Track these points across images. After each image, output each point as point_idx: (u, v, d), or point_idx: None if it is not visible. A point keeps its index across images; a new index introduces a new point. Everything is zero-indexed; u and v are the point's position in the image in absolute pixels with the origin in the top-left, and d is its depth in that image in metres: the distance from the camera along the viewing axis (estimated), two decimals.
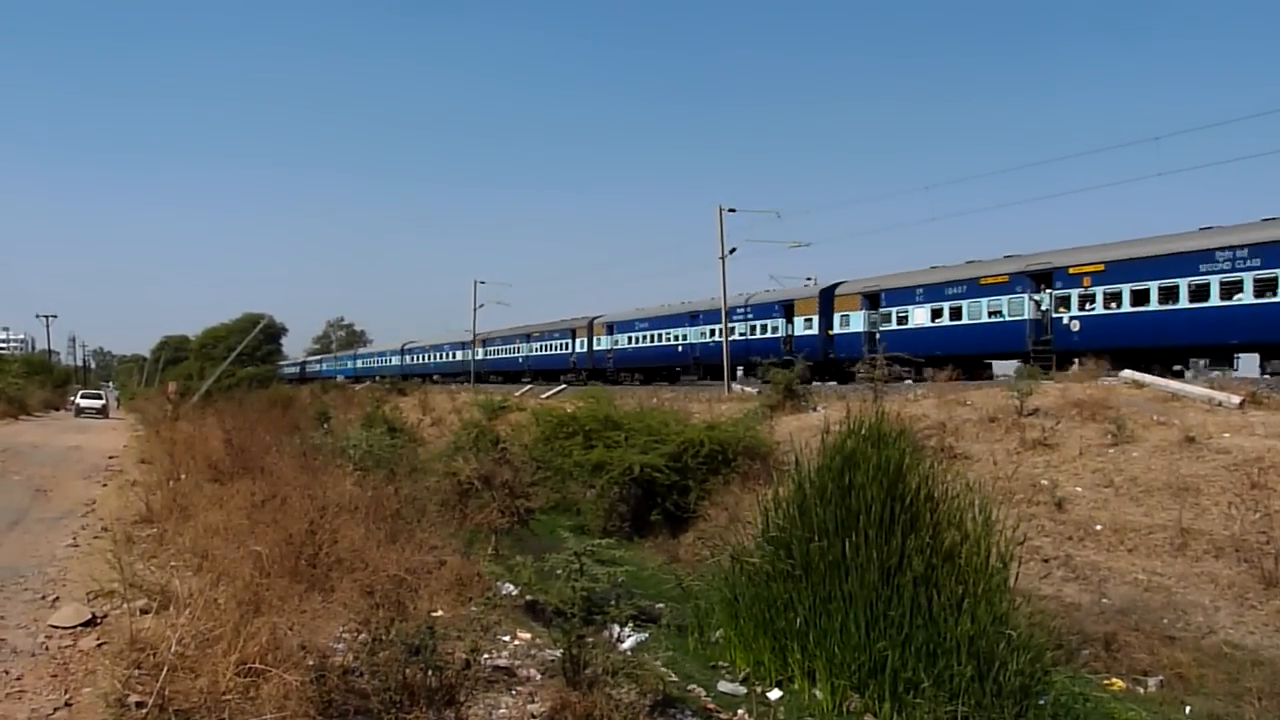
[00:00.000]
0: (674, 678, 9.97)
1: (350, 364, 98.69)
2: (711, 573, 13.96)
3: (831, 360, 36.84)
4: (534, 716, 7.19)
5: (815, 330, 38.17)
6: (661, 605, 14.18)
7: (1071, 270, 28.17)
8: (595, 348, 54.85)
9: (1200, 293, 24.54)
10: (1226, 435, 17.78)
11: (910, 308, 33.58)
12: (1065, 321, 28.11)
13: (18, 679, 6.64)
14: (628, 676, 7.89)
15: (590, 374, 53.33)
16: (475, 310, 63.46)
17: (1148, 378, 22.99)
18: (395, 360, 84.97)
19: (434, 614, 8.08)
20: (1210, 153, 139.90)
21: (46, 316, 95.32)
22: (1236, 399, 19.73)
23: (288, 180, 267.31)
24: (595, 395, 28.63)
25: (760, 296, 42.58)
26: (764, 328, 41.32)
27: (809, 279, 41.48)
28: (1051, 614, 12.75)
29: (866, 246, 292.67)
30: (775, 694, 10.46)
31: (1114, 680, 12.00)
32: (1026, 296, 29.48)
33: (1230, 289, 23.94)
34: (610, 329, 53.72)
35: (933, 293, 32.87)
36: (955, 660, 9.36)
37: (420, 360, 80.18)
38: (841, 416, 12.70)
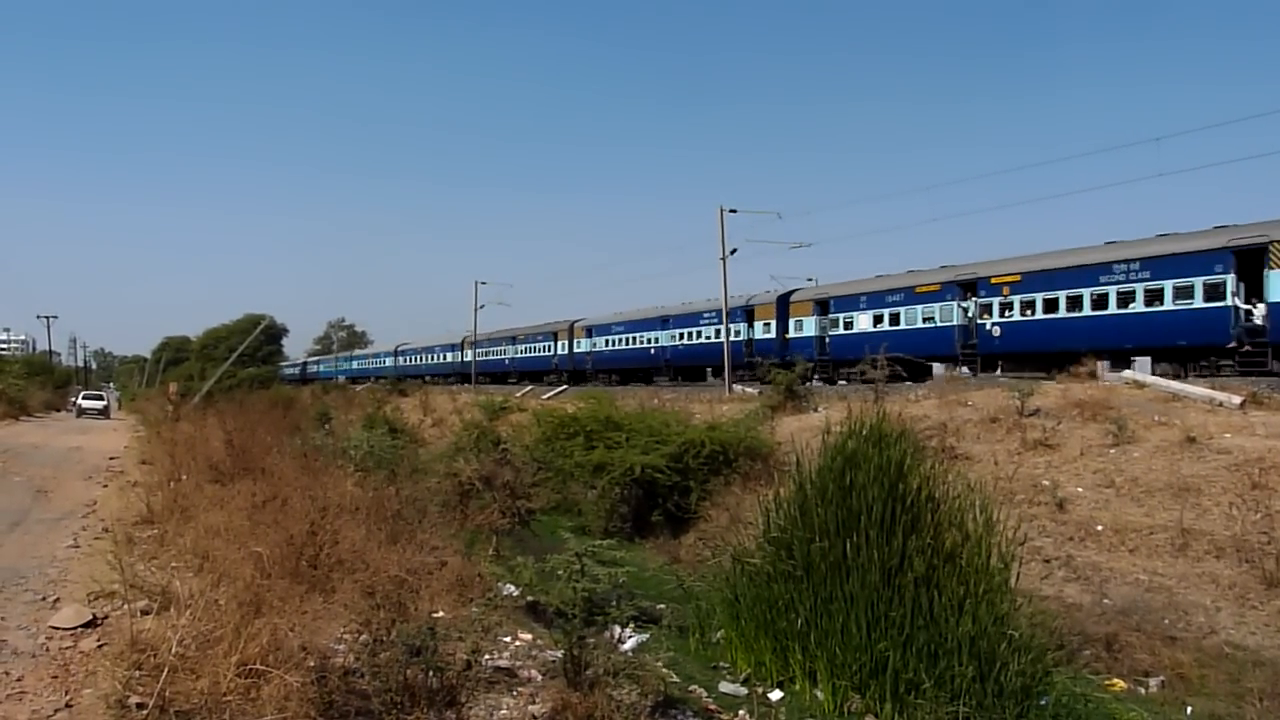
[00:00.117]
0: (675, 678, 9.97)
1: (346, 365, 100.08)
2: (713, 573, 13.98)
3: (788, 362, 37.42)
4: (535, 717, 7.18)
5: (773, 334, 40.54)
6: (663, 606, 14.18)
7: (993, 280, 30.56)
8: (575, 350, 57.09)
9: (1100, 301, 27.05)
10: (1227, 435, 17.78)
11: (855, 314, 36.10)
12: (988, 327, 30.47)
13: (18, 680, 6.64)
14: (629, 677, 7.88)
15: (571, 375, 55.50)
16: (476, 311, 63.64)
17: (1148, 378, 23.01)
18: (389, 362, 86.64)
19: (435, 615, 8.08)
20: (1211, 153, 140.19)
21: (47, 317, 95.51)
22: (1237, 399, 19.73)
23: (289, 181, 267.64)
24: (596, 396, 28.69)
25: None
26: (726, 331, 42.62)
27: (810, 279, 41.84)
28: (1053, 614, 12.75)
29: (867, 247, 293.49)
30: (776, 695, 10.46)
31: (1115, 681, 11.99)
32: (955, 304, 31.91)
33: (1125, 298, 26.48)
34: (589, 332, 55.82)
35: (875, 300, 35.32)
36: (956, 661, 9.36)
37: (413, 362, 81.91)
38: (842, 417, 12.70)
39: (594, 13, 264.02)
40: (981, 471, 17.52)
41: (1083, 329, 26.97)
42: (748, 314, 42.59)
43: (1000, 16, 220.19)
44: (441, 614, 8.31)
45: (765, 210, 45.41)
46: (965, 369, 30.62)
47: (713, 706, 9.75)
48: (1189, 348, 24.92)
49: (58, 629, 7.90)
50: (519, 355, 64.24)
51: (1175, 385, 21.92)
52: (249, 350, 73.18)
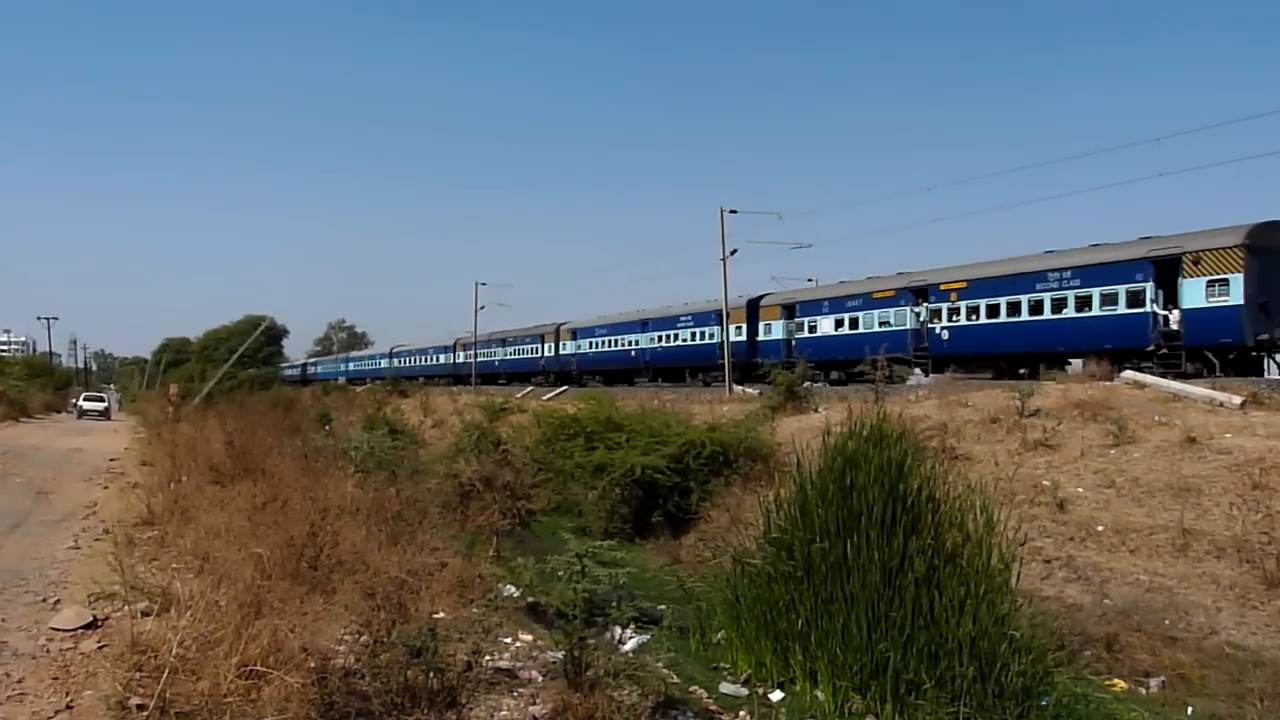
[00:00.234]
0: (676, 679, 9.97)
1: (343, 366, 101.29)
2: (713, 574, 13.97)
3: (756, 363, 39.40)
4: (536, 718, 7.18)
5: (744, 337, 42.31)
6: (663, 607, 14.17)
7: (942, 287, 32.53)
8: (561, 352, 59.13)
9: (1037, 307, 29.03)
10: (1228, 436, 17.77)
11: (819, 318, 38.20)
12: (938, 331, 32.34)
13: (19, 681, 6.65)
14: (629, 678, 7.88)
15: (557, 376, 57.32)
16: (476, 312, 63.82)
17: (1149, 378, 23.03)
18: (384, 363, 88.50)
19: (435, 616, 8.09)
20: (1212, 153, 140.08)
21: (48, 319, 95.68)
22: (1238, 399, 19.73)
23: (289, 182, 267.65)
24: (596, 397, 28.68)
25: (699, 305, 46.62)
26: (702, 334, 45.53)
27: (810, 279, 42.15)
28: (1053, 615, 12.74)
29: (868, 247, 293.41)
30: (777, 695, 10.45)
31: (1116, 681, 11.98)
32: (908, 309, 33.77)
33: (1058, 304, 28.39)
34: (574, 335, 57.85)
35: (836, 305, 37.47)
36: (957, 661, 9.35)
37: (406, 363, 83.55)
38: (843, 418, 12.70)
39: (594, 14, 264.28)
40: (982, 472, 17.50)
41: (1022, 333, 28.78)
42: (719, 317, 43.81)
43: (1001, 17, 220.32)
44: (442, 615, 8.32)
45: (766, 211, 45.76)
46: (918, 370, 31.80)
47: (713, 707, 9.74)
48: (1114, 350, 26.37)
49: (58, 630, 7.90)
50: (508, 357, 65.73)
51: (1175, 385, 21.92)
52: (249, 351, 73.33)
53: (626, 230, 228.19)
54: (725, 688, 10.58)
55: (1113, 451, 18.41)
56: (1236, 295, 24.01)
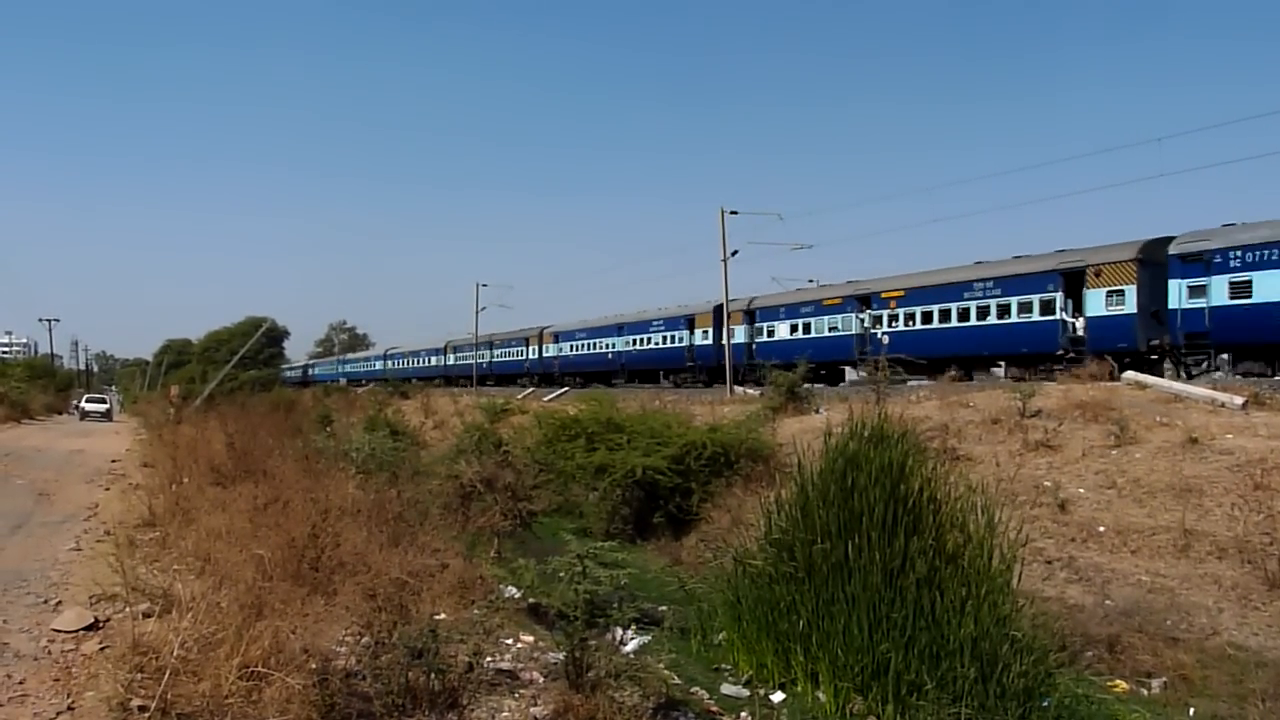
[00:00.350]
0: (677, 680, 9.97)
1: (339, 368, 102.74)
2: (714, 575, 13.95)
3: (723, 367, 41.63)
4: (537, 719, 7.18)
5: (710, 341, 44.19)
6: (664, 608, 14.17)
7: (883, 295, 35.01)
8: (544, 354, 61.12)
9: (964, 315, 31.41)
10: (1229, 436, 17.75)
11: (776, 323, 40.61)
12: (879, 336, 34.25)
13: (20, 683, 6.65)
14: (631, 679, 7.88)
15: (541, 378, 59.43)
16: (477, 313, 64.04)
17: (1151, 379, 23.03)
18: (379, 365, 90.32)
19: (436, 617, 8.09)
20: (1213, 153, 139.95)
21: (49, 320, 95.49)
22: (1239, 400, 19.71)
23: (290, 183, 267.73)
24: (597, 398, 28.71)
25: (670, 310, 48.99)
26: (672, 338, 47.92)
27: (810, 280, 42.28)
28: (1055, 616, 12.73)
29: (869, 248, 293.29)
30: (778, 696, 10.45)
31: (1118, 682, 11.97)
32: (854, 315, 36.24)
33: (983, 312, 30.86)
34: (556, 338, 59.92)
35: (791, 311, 39.94)
36: (958, 662, 9.35)
37: (400, 365, 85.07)
38: (844, 419, 12.69)
39: (595, 14, 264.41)
40: (983, 473, 17.50)
41: (951, 338, 31.16)
42: (689, 322, 46.39)
43: (1001, 17, 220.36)
44: (443, 616, 8.32)
45: (766, 212, 45.77)
46: (862, 373, 34.03)
47: (714, 708, 9.75)
48: (1030, 354, 29.22)
49: (60, 632, 7.91)
50: (496, 359, 67.20)
51: (1177, 386, 21.92)
52: (250, 353, 73.39)
53: (627, 231, 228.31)
54: (726, 689, 10.58)
55: (1114, 452, 18.40)
56: (1131, 305, 26.62)
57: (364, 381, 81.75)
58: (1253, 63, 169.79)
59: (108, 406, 59.44)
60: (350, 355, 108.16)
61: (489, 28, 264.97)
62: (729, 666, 11.41)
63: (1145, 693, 11.76)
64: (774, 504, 12.14)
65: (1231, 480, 15.94)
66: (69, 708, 6.23)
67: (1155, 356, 26.57)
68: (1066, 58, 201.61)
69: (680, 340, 46.83)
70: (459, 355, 73.52)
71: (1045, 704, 9.68)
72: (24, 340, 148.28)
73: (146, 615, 7.44)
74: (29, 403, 54.74)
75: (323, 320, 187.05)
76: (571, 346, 58.19)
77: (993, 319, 30.56)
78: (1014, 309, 29.96)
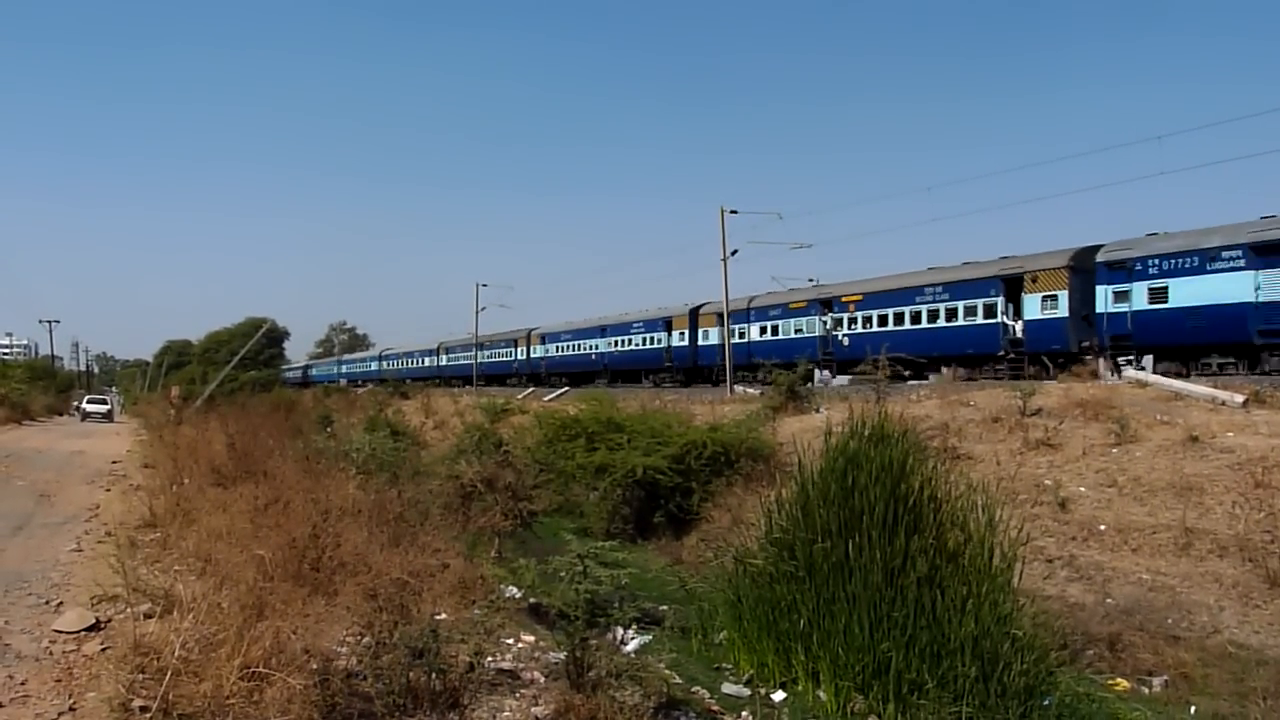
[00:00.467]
0: (678, 680, 9.97)
1: (336, 369, 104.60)
2: (715, 574, 13.96)
3: (698, 367, 45.52)
4: (538, 719, 7.18)
5: (686, 342, 46.69)
6: (665, 607, 14.17)
7: (843, 299, 37.14)
8: (532, 355, 63.19)
9: (916, 318, 33.46)
10: (1230, 434, 17.75)
11: (747, 325, 42.38)
12: (840, 337, 36.89)
13: (22, 684, 6.65)
14: (631, 679, 7.88)
15: (529, 378, 61.53)
16: (477, 314, 64.20)
17: (1151, 377, 23.03)
18: (374, 366, 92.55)
19: (437, 617, 8.08)
20: (1213, 152, 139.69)
21: (49, 322, 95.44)
22: (1240, 398, 19.70)
23: (291, 184, 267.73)
24: (598, 398, 28.72)
25: (651, 313, 51.00)
26: (651, 339, 49.93)
27: (811, 279, 42.46)
28: (1056, 614, 12.74)
29: (869, 248, 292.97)
30: (779, 695, 10.46)
31: (1119, 680, 11.98)
32: (817, 318, 38.34)
33: (933, 315, 32.80)
34: (544, 339, 61.93)
35: (760, 314, 42.06)
36: (959, 661, 9.35)
37: (395, 365, 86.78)
38: (844, 418, 12.69)
39: (595, 15, 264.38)
40: (984, 471, 17.51)
41: (905, 340, 31.93)
42: (667, 324, 48.58)
43: (1001, 16, 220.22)
44: (444, 616, 8.31)
45: (766, 211, 46.04)
46: (825, 372, 36.36)
47: (715, 708, 9.74)
48: (975, 355, 31.01)
49: (61, 632, 7.91)
50: (486, 360, 68.59)
51: (1177, 384, 21.91)
52: (250, 353, 73.28)
53: (628, 231, 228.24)
54: (727, 688, 10.58)
55: (1115, 450, 18.41)
56: (1064, 309, 28.42)
57: (360, 382, 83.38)
58: (1255, 60, 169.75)
59: (109, 407, 59.52)
60: (348, 356, 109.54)
61: (489, 28, 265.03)
62: (730, 666, 11.41)
63: (1146, 691, 11.77)
64: (774, 503, 12.14)
65: (1232, 478, 15.94)
66: (70, 708, 6.24)
67: (1089, 357, 27.86)
68: (1066, 56, 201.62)
69: (659, 342, 48.82)
70: (451, 356, 75.50)
71: (1046, 702, 9.68)
72: (24, 341, 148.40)
73: (148, 616, 7.44)
74: (29, 404, 54.68)
75: (323, 321, 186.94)
76: (558, 348, 59.99)
77: (942, 322, 32.40)
78: (960, 312, 31.82)
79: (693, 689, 10.07)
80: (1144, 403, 20.80)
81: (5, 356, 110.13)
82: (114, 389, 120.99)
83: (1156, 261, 25.79)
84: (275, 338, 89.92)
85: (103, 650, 7.37)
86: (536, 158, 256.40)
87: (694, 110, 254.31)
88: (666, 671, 9.61)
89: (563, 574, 9.35)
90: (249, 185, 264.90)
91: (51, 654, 7.40)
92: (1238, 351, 24.06)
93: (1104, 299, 27.07)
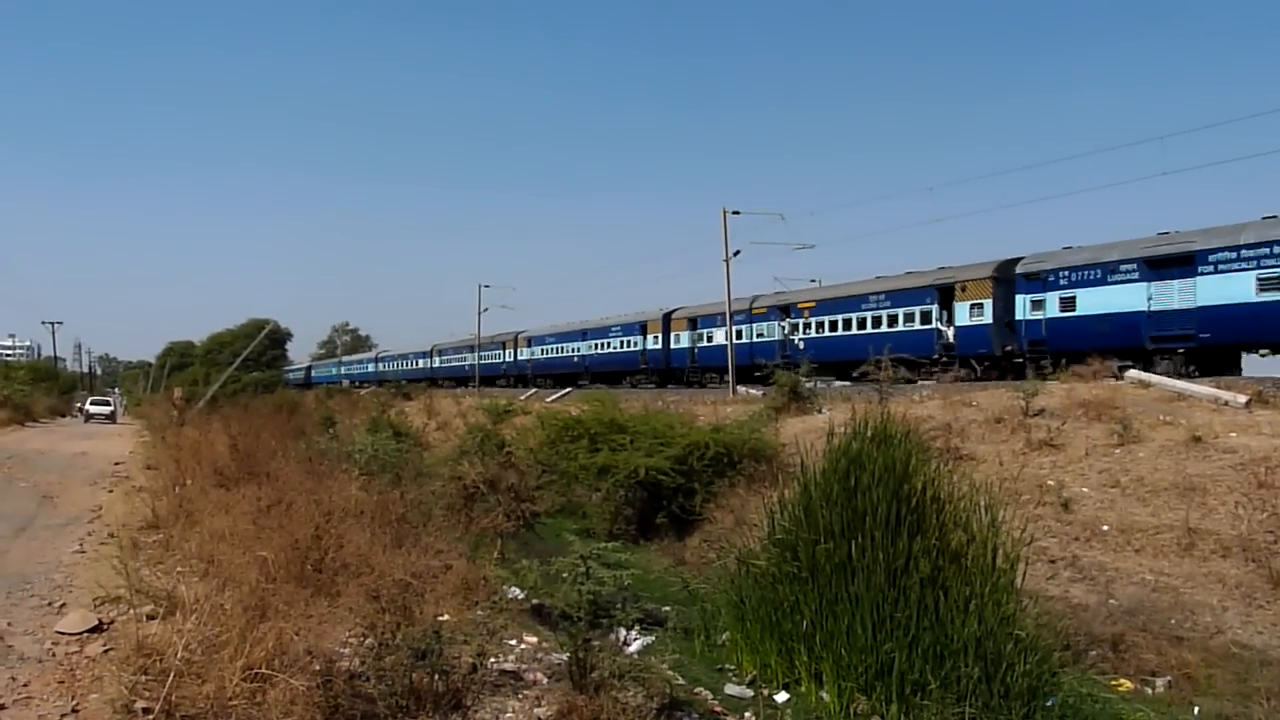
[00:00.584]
0: (680, 681, 9.95)
1: (334, 370, 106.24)
2: (717, 575, 13.95)
3: (670, 369, 48.27)
4: None
5: (660, 345, 49.37)
6: (668, 608, 14.16)
7: (799, 306, 39.92)
8: (519, 357, 65.33)
9: (862, 323, 36.08)
10: (1233, 435, 17.71)
11: (714, 329, 44.64)
12: (796, 341, 39.07)
13: (24, 685, 6.65)
14: (634, 680, 7.86)
15: (516, 379, 63.75)
16: (480, 314, 64.35)
17: (1154, 377, 22.99)
18: (371, 367, 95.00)
19: (440, 618, 8.07)
20: (1216, 152, 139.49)
21: (52, 323, 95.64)
22: (1243, 398, 19.66)
23: (293, 185, 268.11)
24: (600, 399, 28.69)
25: (628, 317, 53.19)
26: (629, 343, 52.29)
27: (813, 280, 42.71)
28: (1059, 615, 12.71)
29: (870, 248, 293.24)
30: (782, 696, 10.44)
31: (1122, 681, 11.96)
32: (777, 323, 40.70)
33: (876, 321, 35.42)
34: (530, 342, 64.18)
35: (724, 319, 43.38)
36: (962, 661, 9.33)
37: (390, 367, 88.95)
38: (847, 419, 12.68)
39: (595, 15, 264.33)
40: (986, 472, 17.49)
41: (852, 344, 34.66)
42: (642, 328, 50.93)
43: (1002, 16, 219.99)
44: (446, 617, 8.31)
45: (768, 212, 45.75)
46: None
47: (718, 708, 9.73)
48: (913, 359, 31.83)
49: (64, 634, 7.91)
50: (478, 361, 69.80)
51: (1180, 385, 21.87)
52: (253, 355, 73.33)
53: (629, 231, 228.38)
54: (730, 689, 10.56)
55: (1117, 451, 18.37)
56: (989, 316, 31.05)
57: (358, 383, 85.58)
58: (1257, 60, 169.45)
59: (112, 409, 59.68)
60: (347, 358, 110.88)
61: (489, 28, 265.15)
62: (733, 667, 11.39)
63: (1150, 692, 11.75)
64: (777, 504, 12.13)
65: (1235, 479, 15.90)
66: (73, 710, 6.24)
67: (1020, 360, 30.05)
68: (1068, 56, 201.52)
69: (635, 345, 51.37)
70: (444, 358, 77.69)
71: (1049, 703, 9.66)
72: (27, 343, 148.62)
73: (150, 617, 7.45)
74: (32, 405, 54.79)
75: (325, 322, 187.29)
76: (542, 350, 62.24)
77: (884, 327, 34.84)
78: (900, 319, 34.45)
79: (696, 690, 10.05)
80: (1146, 403, 20.76)
81: (8, 358, 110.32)
82: (117, 390, 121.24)
83: (1066, 273, 28.36)
84: (278, 339, 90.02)
85: (105, 652, 7.37)
86: (538, 158, 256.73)
87: (696, 110, 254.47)
88: (669, 672, 9.58)
89: (565, 575, 9.33)
90: (251, 186, 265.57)
91: (54, 655, 7.40)
92: (1134, 355, 25.94)
93: (1023, 307, 29.62)
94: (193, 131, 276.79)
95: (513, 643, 9.23)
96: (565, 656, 8.14)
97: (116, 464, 24.39)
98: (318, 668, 6.32)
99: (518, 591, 12.04)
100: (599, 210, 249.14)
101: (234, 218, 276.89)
